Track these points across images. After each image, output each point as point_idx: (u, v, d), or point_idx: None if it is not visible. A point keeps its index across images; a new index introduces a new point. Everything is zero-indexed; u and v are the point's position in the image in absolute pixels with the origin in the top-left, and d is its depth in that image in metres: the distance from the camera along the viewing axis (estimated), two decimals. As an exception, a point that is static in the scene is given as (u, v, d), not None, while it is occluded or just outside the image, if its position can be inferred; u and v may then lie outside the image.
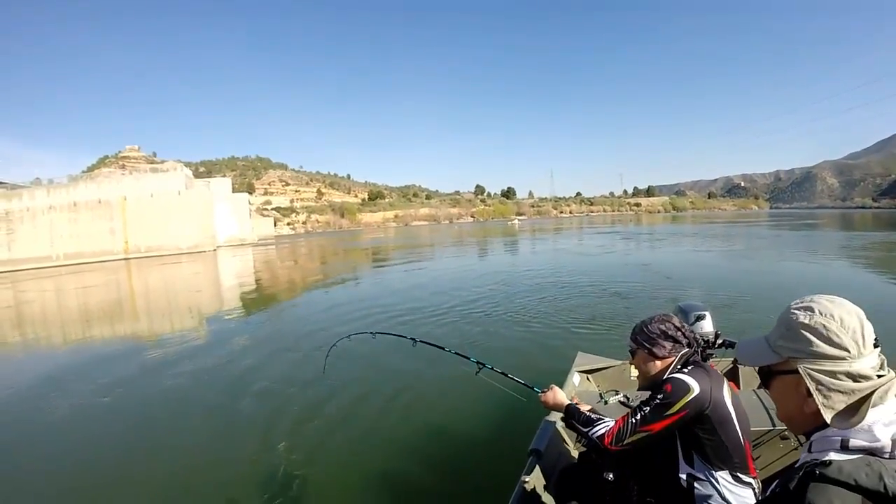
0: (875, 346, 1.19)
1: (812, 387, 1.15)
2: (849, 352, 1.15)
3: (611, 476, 2.66)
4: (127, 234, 56.34)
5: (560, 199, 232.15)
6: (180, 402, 8.21)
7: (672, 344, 2.48)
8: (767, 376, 1.32)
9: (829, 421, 1.13)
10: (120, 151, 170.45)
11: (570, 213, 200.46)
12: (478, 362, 3.51)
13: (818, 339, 1.18)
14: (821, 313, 1.20)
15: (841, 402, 1.13)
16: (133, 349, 11.93)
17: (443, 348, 3.97)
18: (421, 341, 4.13)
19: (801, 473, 1.11)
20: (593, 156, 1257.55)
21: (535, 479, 3.10)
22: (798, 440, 3.24)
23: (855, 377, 1.14)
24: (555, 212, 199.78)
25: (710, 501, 2.22)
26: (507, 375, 3.47)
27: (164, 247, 56.33)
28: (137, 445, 6.54)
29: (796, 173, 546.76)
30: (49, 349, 12.89)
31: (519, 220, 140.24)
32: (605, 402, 3.85)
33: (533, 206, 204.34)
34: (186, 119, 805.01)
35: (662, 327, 2.51)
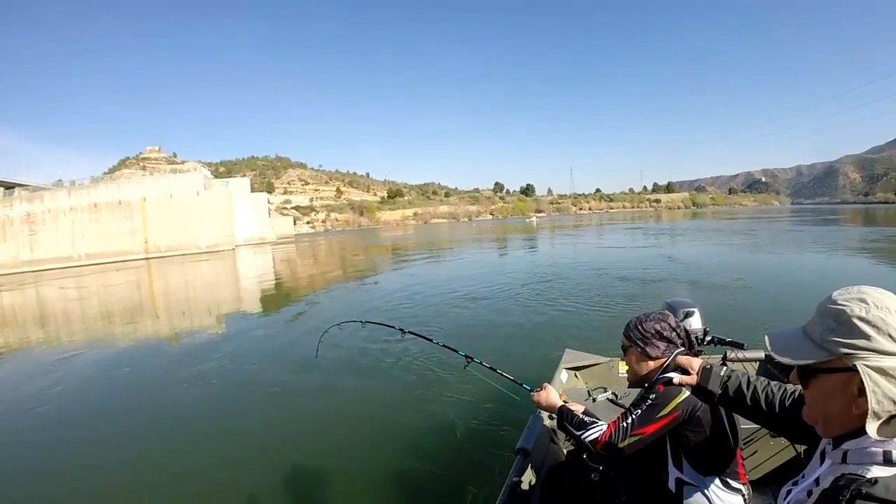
0: None
1: (869, 388, 1.06)
2: None
3: (597, 476, 2.62)
4: (147, 234, 56.98)
5: (579, 195, 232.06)
6: (186, 393, 8.32)
7: (666, 344, 2.40)
8: (808, 374, 1.21)
9: (872, 433, 1.06)
10: (140, 153, 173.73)
11: (590, 209, 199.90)
12: (466, 356, 3.45)
13: (878, 333, 1.08)
14: (877, 306, 1.11)
15: (886, 412, 1.05)
16: (145, 346, 12.45)
17: (431, 340, 3.89)
18: (409, 332, 4.07)
19: (847, 494, 1.02)
20: (613, 152, 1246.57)
21: (522, 480, 3.00)
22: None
23: None
24: (574, 209, 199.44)
25: None
26: (495, 371, 3.38)
27: (183, 246, 56.87)
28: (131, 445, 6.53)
29: (818, 168, 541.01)
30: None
31: (538, 217, 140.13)
32: (594, 400, 3.83)
33: (552, 203, 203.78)
34: (207, 119, 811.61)
35: (658, 327, 2.42)
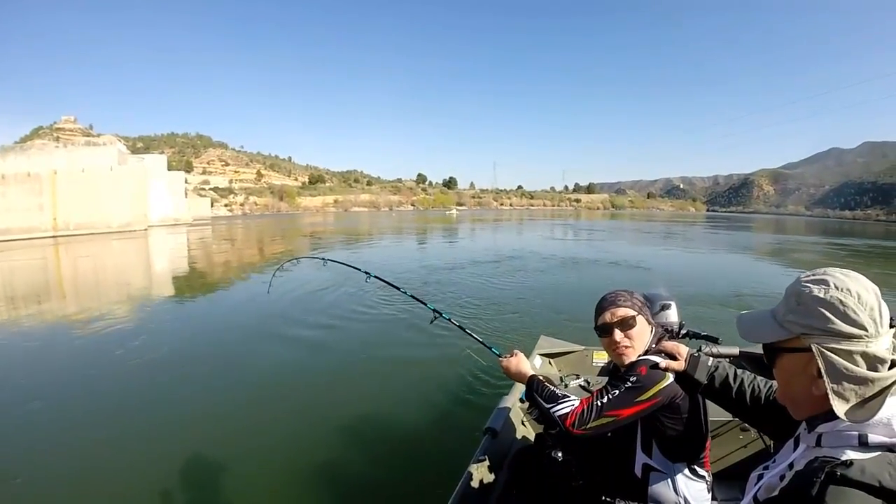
0: (891, 325, 1.11)
1: (823, 368, 1.07)
2: (866, 330, 1.07)
3: (559, 455, 2.57)
4: (56, 211, 54.64)
5: (501, 191, 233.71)
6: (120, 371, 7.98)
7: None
8: (772, 354, 1.23)
9: (841, 414, 1.05)
10: (55, 122, 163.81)
11: (511, 205, 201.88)
12: (434, 310, 3.26)
13: (834, 315, 1.09)
14: (836, 287, 1.12)
15: (851, 392, 1.05)
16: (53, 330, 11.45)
17: (398, 288, 3.69)
18: (374, 276, 3.85)
19: (821, 475, 1.01)
20: (536, 151, 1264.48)
21: (487, 460, 2.97)
22: (759, 433, 3.24)
23: (871, 359, 1.06)
24: (495, 204, 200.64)
25: (663, 494, 2.18)
26: (464, 330, 3.17)
27: (94, 224, 55.15)
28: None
29: (734, 179, 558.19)
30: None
31: (458, 210, 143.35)
32: (566, 386, 3.80)
33: (474, 197, 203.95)
34: (127, 91, 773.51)
35: (642, 298, 2.42)
